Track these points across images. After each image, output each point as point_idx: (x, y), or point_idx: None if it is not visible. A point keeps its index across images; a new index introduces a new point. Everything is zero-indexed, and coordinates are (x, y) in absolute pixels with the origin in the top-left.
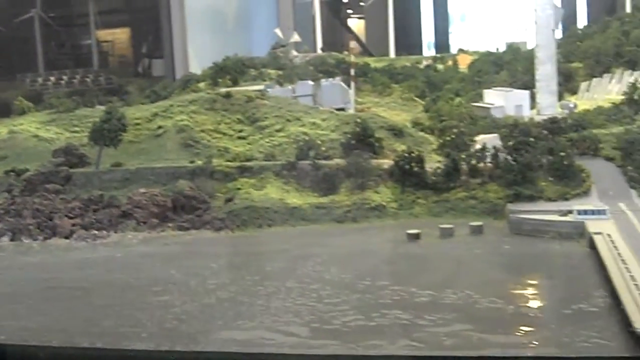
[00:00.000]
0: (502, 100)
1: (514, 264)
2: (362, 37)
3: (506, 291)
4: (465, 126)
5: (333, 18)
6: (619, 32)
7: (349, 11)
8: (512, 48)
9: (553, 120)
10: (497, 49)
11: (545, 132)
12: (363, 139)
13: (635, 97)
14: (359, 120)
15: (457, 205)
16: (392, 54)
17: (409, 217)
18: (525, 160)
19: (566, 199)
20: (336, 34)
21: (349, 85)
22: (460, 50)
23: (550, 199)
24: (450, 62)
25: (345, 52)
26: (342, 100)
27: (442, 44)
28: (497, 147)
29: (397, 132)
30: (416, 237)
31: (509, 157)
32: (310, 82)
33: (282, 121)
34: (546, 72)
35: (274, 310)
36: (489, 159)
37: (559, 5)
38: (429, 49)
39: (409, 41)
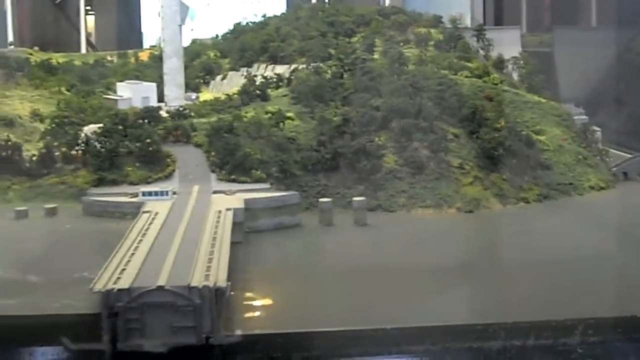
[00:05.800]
0: (130, 93)
1: (61, 241)
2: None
3: (35, 264)
4: (85, 117)
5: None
6: (274, 29)
7: (87, 7)
8: (196, 44)
9: (147, 110)
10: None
11: (140, 120)
12: None
13: (251, 89)
14: None
15: (48, 190)
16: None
17: (2, 203)
18: (111, 146)
19: (149, 183)
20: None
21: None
22: (152, 47)
23: (132, 183)
24: (132, 59)
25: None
26: None
27: None
28: (88, 135)
29: (8, 122)
30: None
31: (97, 144)
32: None
33: None
34: (172, 66)
35: None
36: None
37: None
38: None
39: (134, 38)
